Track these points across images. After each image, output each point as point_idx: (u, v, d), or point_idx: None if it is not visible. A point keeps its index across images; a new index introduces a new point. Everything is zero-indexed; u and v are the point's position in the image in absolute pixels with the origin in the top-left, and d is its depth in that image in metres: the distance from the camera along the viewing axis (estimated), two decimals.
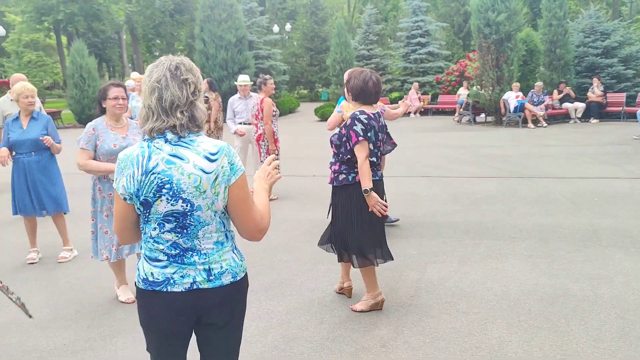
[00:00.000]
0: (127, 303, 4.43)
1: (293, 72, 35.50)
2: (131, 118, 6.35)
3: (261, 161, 7.67)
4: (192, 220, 2.02)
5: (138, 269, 2.12)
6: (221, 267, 2.09)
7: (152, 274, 2.06)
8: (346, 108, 5.45)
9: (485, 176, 9.16)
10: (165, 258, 2.06)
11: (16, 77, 7.04)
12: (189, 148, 2.01)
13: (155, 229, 2.04)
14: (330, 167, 4.22)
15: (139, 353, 3.54)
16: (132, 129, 4.57)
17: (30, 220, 5.59)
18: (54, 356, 3.65)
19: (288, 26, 36.96)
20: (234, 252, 2.14)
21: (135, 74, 12.29)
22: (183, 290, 2.05)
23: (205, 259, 2.06)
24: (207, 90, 9.03)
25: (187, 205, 1.99)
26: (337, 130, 4.33)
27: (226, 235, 2.12)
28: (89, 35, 34.36)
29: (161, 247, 2.06)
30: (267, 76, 7.88)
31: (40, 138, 5.25)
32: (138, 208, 2.04)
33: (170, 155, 1.99)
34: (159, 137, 2.02)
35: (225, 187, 2.03)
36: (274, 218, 5.60)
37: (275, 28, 34.81)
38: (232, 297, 2.14)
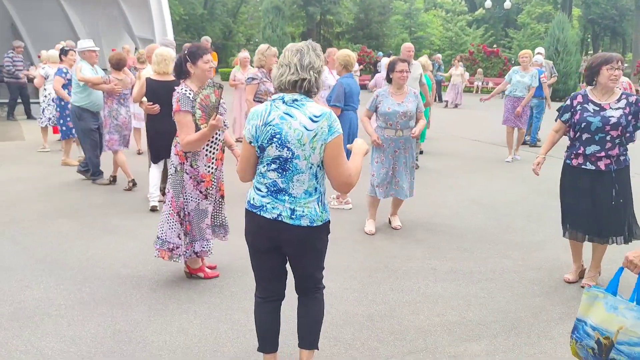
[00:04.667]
0: (368, 234, 5.54)
1: None
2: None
3: None
4: (291, 166, 2.59)
5: (248, 194, 2.78)
6: (303, 211, 2.63)
7: (254, 199, 2.72)
8: None
9: None
10: (265, 190, 2.68)
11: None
12: (299, 109, 2.58)
13: (264, 167, 2.67)
14: (604, 153, 4.05)
15: None
16: (409, 97, 5.36)
17: None
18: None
19: None
20: (317, 204, 2.67)
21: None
22: (271, 218, 2.65)
23: (292, 200, 2.63)
24: None
25: (289, 153, 2.57)
26: (614, 112, 4.02)
27: (315, 188, 2.66)
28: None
29: (265, 181, 2.68)
30: None
31: None
32: (257, 151, 2.66)
33: (284, 113, 2.58)
34: (279, 99, 2.62)
35: (322, 144, 2.56)
36: None
37: None
38: (307, 237, 2.68)
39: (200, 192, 4.18)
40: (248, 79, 6.70)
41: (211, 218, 4.34)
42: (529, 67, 9.67)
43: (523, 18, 42.68)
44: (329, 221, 2.75)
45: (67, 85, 7.89)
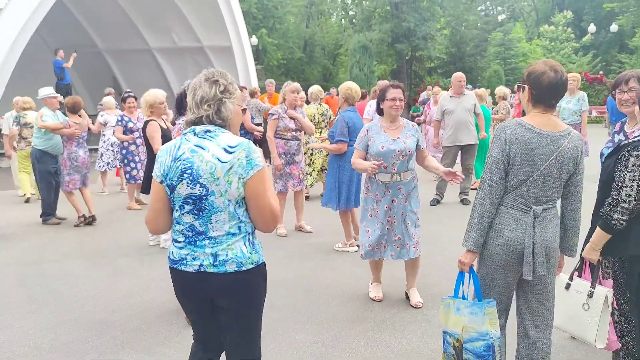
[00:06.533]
0: (374, 300, 4.58)
1: None
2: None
3: None
4: (206, 204, 2.28)
5: (168, 248, 2.46)
6: (227, 255, 2.30)
7: (173, 252, 2.40)
8: None
9: None
10: (183, 239, 2.36)
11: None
12: (212, 140, 2.30)
13: (177, 210, 2.35)
14: None
15: None
16: (407, 131, 4.40)
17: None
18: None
19: None
20: (244, 244, 2.33)
21: None
22: (193, 271, 2.33)
23: (214, 244, 2.31)
24: None
25: (202, 190, 2.26)
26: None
27: (239, 227, 2.32)
28: None
29: (181, 227, 2.35)
30: None
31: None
32: (167, 191, 2.35)
33: (195, 145, 2.30)
34: (190, 132, 2.34)
35: (239, 178, 2.25)
36: None
37: None
38: (237, 284, 2.32)
39: None
40: (270, 114, 6.57)
41: None
42: (576, 90, 8.68)
43: (636, 41, 39.51)
44: (263, 264, 2.39)
45: (125, 132, 8.17)
